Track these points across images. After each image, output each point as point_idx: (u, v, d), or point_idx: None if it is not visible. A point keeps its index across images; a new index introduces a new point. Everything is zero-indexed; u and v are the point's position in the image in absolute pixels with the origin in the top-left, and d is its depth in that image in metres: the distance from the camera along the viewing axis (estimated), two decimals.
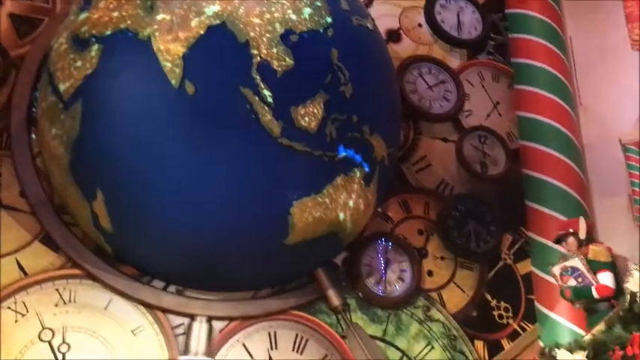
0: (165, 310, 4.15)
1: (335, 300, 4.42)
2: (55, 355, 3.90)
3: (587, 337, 3.57)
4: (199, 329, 4.12)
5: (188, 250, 3.93)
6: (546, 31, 5.51)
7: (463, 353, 4.61)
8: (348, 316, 4.49)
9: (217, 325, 4.22)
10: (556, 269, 3.94)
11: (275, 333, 4.32)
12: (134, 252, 4.13)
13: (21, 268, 4.06)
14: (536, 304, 4.80)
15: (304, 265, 4.38)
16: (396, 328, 4.57)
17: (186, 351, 4.06)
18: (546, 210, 4.93)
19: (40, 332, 3.92)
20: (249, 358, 4.22)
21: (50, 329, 3.95)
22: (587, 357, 3.40)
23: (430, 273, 4.83)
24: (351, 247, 4.57)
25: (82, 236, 4.18)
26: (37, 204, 4.20)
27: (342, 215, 4.09)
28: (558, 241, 4.13)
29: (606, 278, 3.88)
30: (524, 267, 5.00)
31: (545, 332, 4.60)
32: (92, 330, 4.00)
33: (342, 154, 3.96)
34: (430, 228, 4.95)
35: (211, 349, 4.12)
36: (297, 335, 4.34)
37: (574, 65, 5.61)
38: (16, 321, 3.91)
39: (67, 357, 3.91)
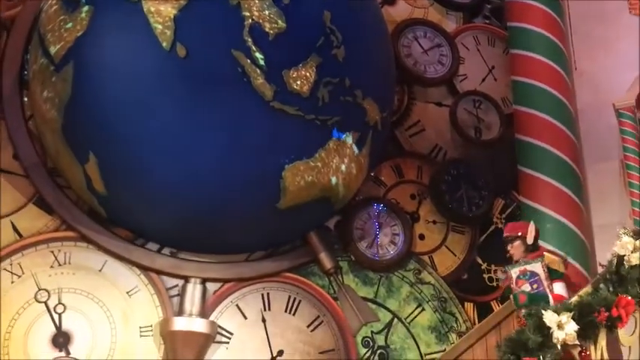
0: (159, 272, 4.21)
1: (327, 263, 4.48)
2: (52, 316, 3.96)
3: (574, 299, 3.62)
4: (193, 290, 4.18)
5: (181, 213, 3.96)
6: None
7: (453, 315, 4.69)
8: (340, 279, 4.55)
9: (211, 286, 4.28)
10: (514, 271, 3.84)
11: (268, 294, 4.39)
12: (128, 214, 4.16)
13: (16, 230, 4.09)
14: None
15: (297, 229, 4.42)
16: (387, 291, 4.64)
17: (180, 312, 4.13)
18: (538, 175, 4.94)
19: (36, 293, 3.98)
20: (243, 318, 4.29)
21: (46, 290, 4.00)
22: (572, 318, 3.46)
23: (422, 237, 4.89)
24: (343, 211, 4.61)
25: (75, 199, 4.21)
26: (30, 167, 4.21)
27: (334, 179, 4.11)
28: (504, 242, 4.08)
29: (561, 288, 3.82)
30: None
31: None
32: (87, 291, 4.06)
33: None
34: (423, 192, 4.99)
35: (205, 310, 4.19)
36: (289, 297, 4.41)
37: (570, 30, 5.56)
38: (12, 282, 3.96)
39: (63, 317, 3.97)
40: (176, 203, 3.93)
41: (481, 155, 5.21)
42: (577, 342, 3.31)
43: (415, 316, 4.62)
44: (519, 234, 3.93)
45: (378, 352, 4.46)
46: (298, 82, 3.79)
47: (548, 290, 3.74)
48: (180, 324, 4.02)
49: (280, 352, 4.26)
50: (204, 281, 4.24)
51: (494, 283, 4.87)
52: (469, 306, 4.76)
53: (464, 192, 5.01)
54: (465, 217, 5.00)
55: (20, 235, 4.08)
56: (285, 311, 4.39)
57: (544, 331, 3.34)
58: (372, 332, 4.50)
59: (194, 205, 3.91)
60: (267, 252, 4.45)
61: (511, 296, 3.88)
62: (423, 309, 4.66)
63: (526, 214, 4.98)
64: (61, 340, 3.93)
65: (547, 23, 5.37)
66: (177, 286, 4.22)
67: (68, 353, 3.92)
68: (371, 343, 4.46)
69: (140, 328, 4.08)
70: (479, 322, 4.69)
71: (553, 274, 3.82)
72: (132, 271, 4.18)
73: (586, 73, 5.44)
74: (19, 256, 4.03)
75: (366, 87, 4.14)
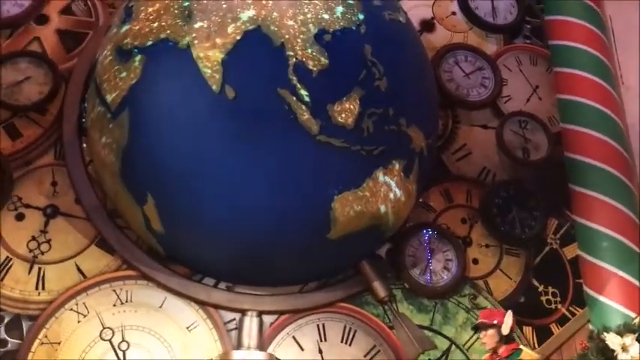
0: (217, 307, 4.31)
1: (381, 291, 4.49)
2: (116, 353, 4.10)
3: (637, 320, 3.54)
4: (250, 324, 4.26)
5: (235, 248, 4.06)
6: (584, 10, 5.41)
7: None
8: (395, 307, 4.55)
9: (267, 319, 4.35)
10: None
11: (324, 325, 4.42)
12: (185, 252, 4.30)
13: (80, 271, 4.28)
14: (585, 287, 4.75)
15: (348, 258, 4.46)
16: (443, 317, 4.61)
17: (239, 345, 4.21)
18: (591, 192, 4.86)
19: (101, 332, 4.14)
20: (300, 350, 4.34)
21: (110, 328, 4.15)
22: (637, 340, 3.37)
23: (475, 261, 4.85)
24: (394, 238, 4.63)
25: (135, 238, 4.37)
26: (91, 210, 4.41)
27: (383, 208, 4.15)
28: (477, 329, 3.86)
29: None
30: (570, 251, 4.96)
31: (595, 316, 4.55)
32: (149, 328, 4.19)
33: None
34: (473, 216, 4.96)
35: (263, 342, 4.26)
36: (345, 327, 4.44)
37: (615, 44, 5.49)
38: (78, 322, 4.13)
39: (127, 354, 4.10)
40: (229, 239, 4.03)
41: (531, 176, 5.15)
42: None
43: (473, 342, 4.55)
44: (495, 322, 3.73)
45: None
46: (343, 115, 3.87)
47: None
48: (239, 357, 4.09)
49: None
50: (260, 314, 4.32)
51: (553, 306, 4.78)
52: (528, 330, 4.66)
53: (515, 214, 4.96)
54: (518, 239, 4.93)
55: (84, 276, 4.27)
56: (342, 341, 4.41)
57: (607, 354, 3.28)
58: None
59: (247, 239, 4.01)
60: (320, 283, 4.50)
61: None
62: None
63: (581, 233, 4.90)
64: None
65: (589, 39, 5.34)
66: (234, 319, 4.31)
67: None
68: None
69: None
70: (539, 345, 4.60)
71: None
72: (191, 307, 4.29)
73: (633, 87, 5.35)
74: (83, 296, 4.21)
75: (410, 115, 4.19)
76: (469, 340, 4.56)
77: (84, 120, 4.55)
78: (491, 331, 3.71)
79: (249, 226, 3.93)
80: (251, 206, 3.88)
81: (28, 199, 4.39)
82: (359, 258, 4.50)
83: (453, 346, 4.53)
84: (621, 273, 4.55)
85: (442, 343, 4.52)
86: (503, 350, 3.69)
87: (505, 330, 3.69)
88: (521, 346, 3.71)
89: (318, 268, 4.42)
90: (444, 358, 4.49)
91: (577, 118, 5.12)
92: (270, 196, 3.88)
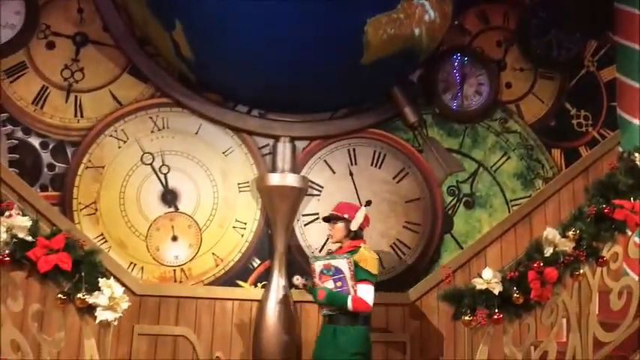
0: (251, 133, 4.42)
1: (411, 117, 4.52)
2: (158, 176, 4.32)
3: None
4: (284, 149, 4.39)
5: (267, 75, 4.04)
6: None
7: (539, 162, 4.70)
8: (425, 132, 4.61)
9: (300, 144, 4.47)
10: (318, 265, 3.58)
11: (354, 150, 4.54)
12: (216, 79, 4.30)
13: (115, 98, 4.35)
14: (619, 110, 4.71)
15: (381, 84, 4.43)
16: (473, 141, 4.67)
17: (273, 169, 4.38)
18: (637, 11, 4.60)
19: (141, 156, 4.32)
20: (332, 173, 4.50)
21: (150, 153, 4.33)
22: None
23: (509, 85, 4.78)
24: (427, 63, 4.54)
25: (166, 66, 4.37)
26: (120, 37, 4.36)
27: (417, 30, 4.01)
28: (327, 219, 3.73)
29: (367, 292, 3.50)
30: (608, 73, 4.83)
31: (626, 138, 4.56)
32: (187, 153, 4.36)
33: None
34: (509, 39, 4.80)
35: (296, 166, 4.42)
36: (375, 151, 4.55)
37: None
38: (119, 147, 4.30)
39: (168, 177, 4.32)
40: (261, 66, 3.99)
41: None
42: None
43: (501, 165, 4.66)
44: (345, 216, 3.67)
45: (464, 199, 4.59)
46: None
47: (351, 290, 3.50)
48: (274, 179, 4.27)
49: (368, 202, 4.49)
50: (292, 140, 4.43)
51: (584, 129, 4.78)
52: (556, 152, 4.73)
53: (553, 36, 4.77)
54: (554, 62, 4.80)
55: (120, 104, 4.35)
56: (371, 165, 4.55)
57: (636, 173, 3.33)
58: (457, 181, 4.61)
59: (279, 66, 3.96)
60: (351, 109, 4.53)
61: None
62: (509, 157, 4.68)
63: (621, 55, 4.74)
64: (169, 197, 4.31)
65: None
66: (268, 145, 4.44)
67: (177, 208, 4.31)
68: (456, 192, 4.59)
69: (238, 184, 4.39)
70: (566, 168, 4.69)
71: (361, 274, 3.52)
72: (225, 133, 4.41)
73: None
74: (121, 123, 4.33)
75: None
76: (497, 162, 4.66)
77: None
78: (340, 224, 3.71)
79: (281, 52, 3.86)
80: (282, 33, 3.77)
81: (56, 27, 4.35)
82: (391, 83, 4.47)
83: (481, 168, 4.65)
84: None
85: (470, 166, 4.64)
86: (346, 245, 3.70)
87: (354, 226, 3.67)
88: (362, 245, 3.66)
89: (351, 95, 4.42)
90: (471, 179, 4.63)
91: None
92: (300, 19, 3.75)
